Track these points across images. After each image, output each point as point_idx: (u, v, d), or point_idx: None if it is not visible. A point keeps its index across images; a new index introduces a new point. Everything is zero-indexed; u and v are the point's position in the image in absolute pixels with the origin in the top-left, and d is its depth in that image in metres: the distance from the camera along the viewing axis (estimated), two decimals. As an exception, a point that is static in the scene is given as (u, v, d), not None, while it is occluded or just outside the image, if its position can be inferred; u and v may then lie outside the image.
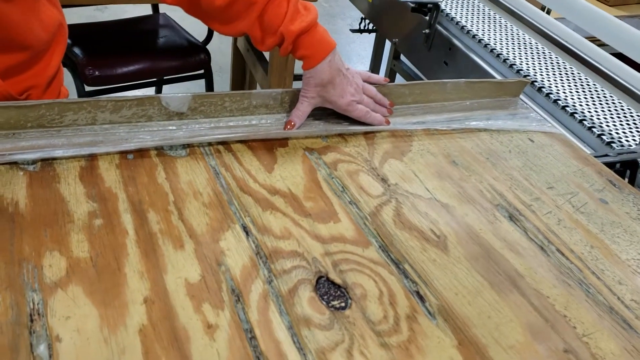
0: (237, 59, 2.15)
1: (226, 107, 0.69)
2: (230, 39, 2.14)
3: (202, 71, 1.92)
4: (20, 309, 0.44)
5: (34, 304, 0.45)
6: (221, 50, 1.98)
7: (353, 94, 0.71)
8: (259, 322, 0.47)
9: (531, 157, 0.74)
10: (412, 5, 1.28)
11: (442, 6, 1.39)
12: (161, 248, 0.52)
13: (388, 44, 2.35)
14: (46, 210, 0.54)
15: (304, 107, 0.70)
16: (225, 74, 2.26)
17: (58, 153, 0.60)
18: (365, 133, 0.73)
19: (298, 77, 2.24)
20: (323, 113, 0.74)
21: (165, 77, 1.94)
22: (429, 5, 1.27)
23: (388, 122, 0.74)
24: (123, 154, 0.62)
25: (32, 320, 0.44)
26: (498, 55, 1.24)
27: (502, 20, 1.41)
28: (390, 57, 2.33)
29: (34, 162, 0.59)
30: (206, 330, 0.45)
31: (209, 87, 1.93)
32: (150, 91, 2.09)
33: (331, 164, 0.66)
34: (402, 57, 2.27)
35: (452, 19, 1.37)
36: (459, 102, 0.80)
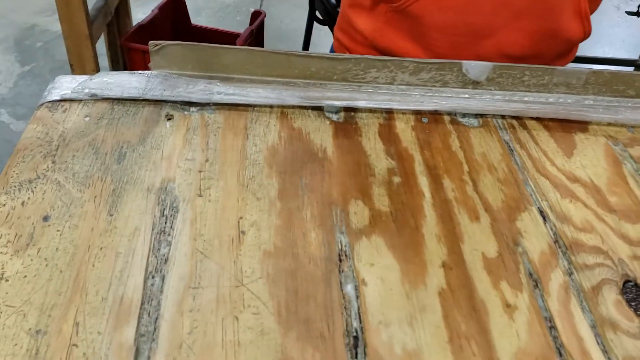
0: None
1: (524, 81, 0.66)
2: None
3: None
4: (331, 248, 0.48)
5: (341, 245, 0.48)
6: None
7: None
8: (559, 312, 0.44)
9: None
10: None
11: None
12: (457, 216, 0.52)
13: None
14: (350, 160, 0.57)
15: None
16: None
17: (361, 103, 0.63)
18: (682, 129, 0.63)
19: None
20: (628, 100, 0.66)
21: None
22: None
23: None
24: (418, 116, 0.63)
25: (340, 260, 0.47)
26: None
27: None
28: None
29: (337, 111, 0.63)
30: (505, 308, 0.44)
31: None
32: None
33: (639, 159, 0.59)
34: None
35: None
36: None
